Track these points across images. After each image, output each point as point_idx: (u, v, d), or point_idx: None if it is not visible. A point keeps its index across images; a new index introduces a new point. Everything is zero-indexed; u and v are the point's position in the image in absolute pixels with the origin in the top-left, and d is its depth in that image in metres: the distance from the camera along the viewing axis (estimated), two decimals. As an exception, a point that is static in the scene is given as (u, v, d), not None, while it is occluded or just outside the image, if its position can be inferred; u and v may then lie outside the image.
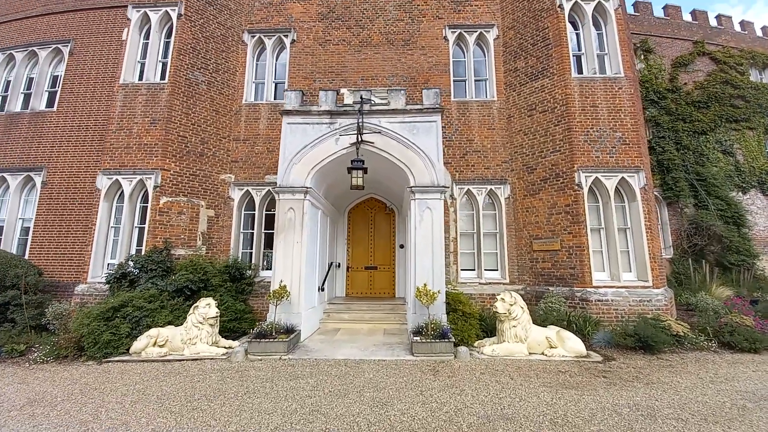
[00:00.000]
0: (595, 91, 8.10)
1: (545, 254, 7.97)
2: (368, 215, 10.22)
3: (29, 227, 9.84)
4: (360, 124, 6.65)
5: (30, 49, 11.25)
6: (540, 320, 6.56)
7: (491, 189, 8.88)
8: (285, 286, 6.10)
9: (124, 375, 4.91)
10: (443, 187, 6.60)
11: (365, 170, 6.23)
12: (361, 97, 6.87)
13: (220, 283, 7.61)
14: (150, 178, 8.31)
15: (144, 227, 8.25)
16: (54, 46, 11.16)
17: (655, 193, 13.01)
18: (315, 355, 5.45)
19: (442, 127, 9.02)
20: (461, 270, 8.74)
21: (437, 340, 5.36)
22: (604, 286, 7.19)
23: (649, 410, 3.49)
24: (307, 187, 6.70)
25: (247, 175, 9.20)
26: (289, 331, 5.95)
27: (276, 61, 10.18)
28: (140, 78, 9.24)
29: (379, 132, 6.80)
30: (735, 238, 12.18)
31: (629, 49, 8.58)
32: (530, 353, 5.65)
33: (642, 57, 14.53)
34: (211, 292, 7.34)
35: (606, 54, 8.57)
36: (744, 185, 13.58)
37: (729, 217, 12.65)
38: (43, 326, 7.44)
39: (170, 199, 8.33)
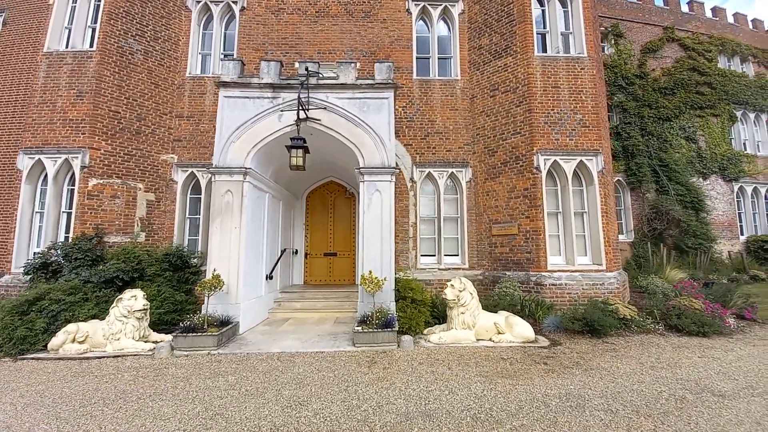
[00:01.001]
0: (557, 70, 7.82)
1: (503, 239, 7.79)
2: (327, 199, 9.74)
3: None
4: (302, 98, 6.10)
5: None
6: (492, 306, 6.39)
7: (453, 172, 8.57)
8: (218, 276, 5.61)
9: (33, 374, 4.39)
10: (394, 168, 6.20)
11: (306, 149, 5.73)
12: (307, 69, 6.29)
13: (158, 272, 7.01)
14: (77, 157, 7.48)
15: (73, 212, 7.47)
16: (-15, 14, 9.85)
17: (619, 178, 13.17)
18: (249, 349, 5.05)
19: (403, 106, 8.62)
20: (421, 255, 8.48)
21: (380, 330, 5.06)
22: (559, 270, 7.09)
23: (580, 400, 3.30)
24: (246, 168, 6.14)
25: (192, 155, 8.47)
26: (224, 323, 5.51)
27: (225, 30, 9.33)
28: (67, 46, 8.23)
29: (325, 108, 6.27)
30: (693, 223, 12.50)
31: (594, 28, 8.30)
32: (478, 340, 5.46)
33: (612, 42, 14.42)
34: (147, 283, 6.76)
35: (571, 33, 8.26)
36: (705, 171, 13.90)
37: (688, 202, 12.95)
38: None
39: (101, 182, 7.55)
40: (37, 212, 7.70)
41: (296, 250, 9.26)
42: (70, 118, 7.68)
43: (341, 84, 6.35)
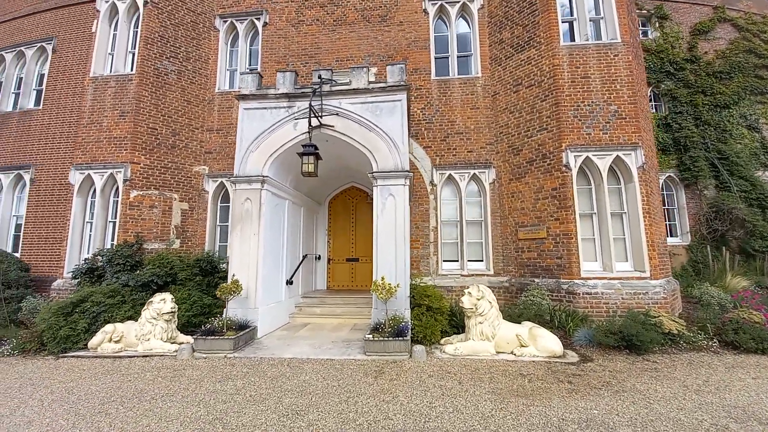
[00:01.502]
0: (587, 60, 7.23)
1: (531, 243, 7.29)
2: (349, 205, 9.78)
3: (21, 224, 10.05)
4: (315, 105, 6.16)
5: (18, 49, 11.36)
6: (517, 315, 5.97)
7: (475, 173, 8.22)
8: (237, 281, 5.79)
9: (70, 371, 4.79)
10: (407, 172, 6.05)
11: (317, 156, 5.76)
12: (320, 77, 6.36)
13: (189, 277, 7.41)
14: (120, 171, 8.18)
15: (117, 222, 8.15)
16: (39, 44, 11.25)
17: (671, 174, 11.92)
18: (263, 354, 5.13)
19: (422, 108, 8.46)
20: (443, 261, 8.20)
21: (391, 339, 4.90)
22: (594, 278, 6.47)
23: (602, 428, 2.92)
24: (264, 176, 6.31)
25: (221, 166, 8.93)
26: (242, 327, 5.66)
27: (250, 46, 9.78)
28: (110, 71, 9.07)
29: (337, 114, 6.29)
30: (759, 223, 10.95)
31: (629, 10, 7.59)
32: (498, 352, 5.11)
33: (657, 25, 13.18)
34: (179, 286, 7.17)
35: (602, 18, 7.62)
36: (771, 164, 12.14)
37: (754, 200, 11.39)
38: (21, 321, 7.52)
39: (141, 193, 8.18)
40: (87, 222, 8.50)
41: (319, 256, 9.37)
42: (114, 136, 8.43)
43: (353, 89, 6.34)
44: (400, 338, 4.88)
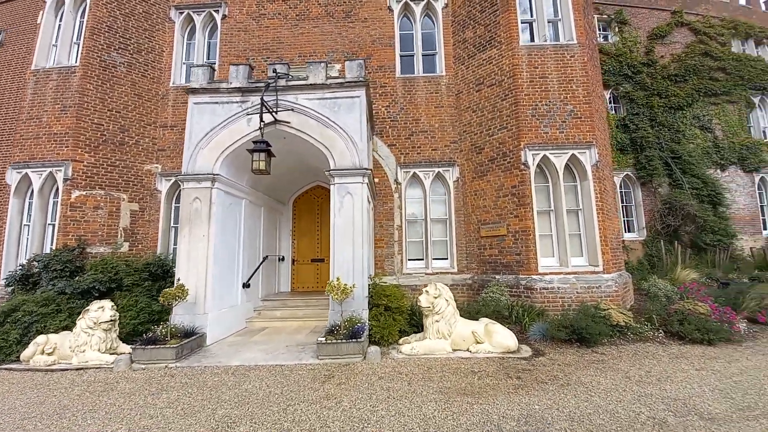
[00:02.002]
0: (545, 60, 7.37)
1: (492, 240, 7.35)
2: (314, 204, 9.54)
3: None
4: (269, 101, 5.91)
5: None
6: (475, 312, 5.98)
7: (439, 172, 8.21)
8: (182, 286, 5.45)
9: (-4, 386, 4.33)
10: (366, 169, 5.92)
11: (269, 152, 5.51)
12: (275, 71, 6.12)
13: (137, 282, 6.95)
14: (60, 170, 7.58)
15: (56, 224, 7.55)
16: (-18, 36, 10.28)
17: (628, 172, 12.45)
18: (208, 362, 4.84)
19: (386, 106, 8.36)
20: (409, 260, 8.14)
21: (345, 341, 4.75)
22: (551, 273, 6.59)
23: (539, 425, 2.89)
24: (214, 174, 5.99)
25: (176, 164, 8.45)
26: (189, 334, 5.33)
27: (209, 39, 9.35)
28: (54, 63, 8.41)
29: (292, 109, 6.07)
30: (710, 218, 11.62)
31: (584, 13, 7.81)
32: (454, 350, 5.08)
33: (616, 29, 13.73)
34: (125, 293, 6.71)
35: (559, 19, 7.80)
36: (723, 162, 12.94)
37: (705, 196, 12.06)
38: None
39: (84, 193, 7.61)
40: (25, 225, 7.83)
41: (282, 257, 9.08)
42: (54, 132, 7.80)
43: (310, 84, 6.14)
44: (353, 340, 4.74)
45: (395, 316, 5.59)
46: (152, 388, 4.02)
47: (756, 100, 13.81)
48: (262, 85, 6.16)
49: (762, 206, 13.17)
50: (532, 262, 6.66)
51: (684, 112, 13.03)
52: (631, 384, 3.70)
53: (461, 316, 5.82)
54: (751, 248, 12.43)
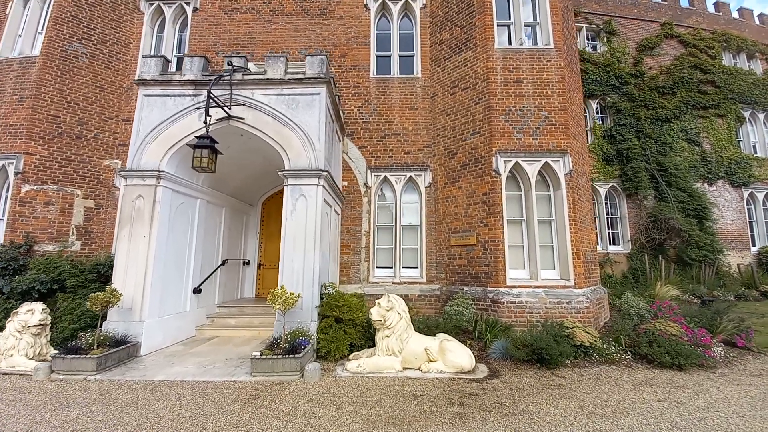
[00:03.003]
0: (520, 64, 7.09)
1: (462, 250, 6.99)
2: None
3: None
4: (217, 95, 5.57)
5: None
6: (433, 326, 5.58)
7: (411, 176, 7.87)
8: (114, 290, 5.03)
9: None
10: (322, 171, 5.56)
11: (214, 149, 5.14)
12: (230, 63, 5.79)
13: (82, 283, 6.53)
14: (12, 163, 7.19)
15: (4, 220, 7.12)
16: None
17: (614, 184, 12.19)
18: (132, 375, 4.42)
19: (359, 106, 8.04)
20: (377, 268, 7.76)
21: (281, 357, 4.35)
22: (520, 286, 6.23)
23: (462, 466, 2.51)
24: (160, 171, 5.62)
25: (137, 160, 8.05)
26: (120, 343, 4.91)
27: (179, 33, 9.03)
28: (17, 53, 8.06)
29: (243, 104, 5.72)
30: (695, 232, 11.34)
31: (564, 18, 7.56)
32: (405, 368, 4.68)
33: (605, 39, 13.59)
34: (69, 295, 6.28)
35: (537, 23, 7.54)
36: (710, 176, 12.72)
37: (691, 210, 11.80)
38: None
39: (34, 188, 7.20)
40: (-28, 220, 7.38)
41: (248, 261, 8.67)
42: (9, 123, 7.42)
43: (267, 79, 5.81)
44: (290, 356, 4.33)
45: (347, 328, 5.19)
46: (58, 403, 3.60)
47: (746, 114, 13.67)
48: (215, 77, 5.82)
49: (751, 222, 12.94)
50: (501, 274, 6.30)
51: (671, 124, 12.84)
52: (581, 416, 3.32)
53: (421, 330, 5.47)
54: (738, 265, 12.15)
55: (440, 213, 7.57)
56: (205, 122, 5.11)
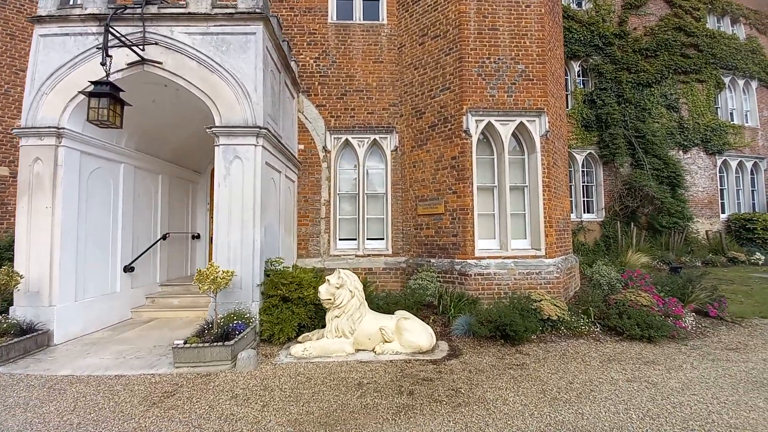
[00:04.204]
0: (496, 9, 6.22)
1: (429, 219, 6.43)
2: (238, 175, 8.22)
3: None
4: (124, 34, 4.50)
5: None
6: (393, 303, 5.09)
7: (375, 139, 7.09)
8: (11, 271, 4.20)
9: None
10: (261, 128, 4.71)
11: (117, 99, 4.17)
12: (143, -8, 4.66)
13: (-11, 264, 5.58)
14: None
15: None
16: None
17: (591, 150, 11.83)
18: (36, 369, 3.72)
19: (316, 58, 7.02)
20: (340, 240, 7.14)
21: (209, 344, 3.73)
22: (489, 257, 5.79)
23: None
24: (60, 128, 4.61)
25: (54, 120, 6.84)
26: (27, 331, 4.16)
27: (98, -36, 7.47)
28: None
29: (156, 43, 4.69)
30: (668, 200, 11.27)
31: (547, -45, 6.63)
32: (357, 350, 4.20)
33: (590, -5, 12.67)
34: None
35: (518, -39, 6.59)
36: (686, 143, 12.55)
37: (665, 177, 11.67)
38: None
39: None
40: None
41: (198, 235, 7.85)
42: None
43: (190, 14, 4.74)
44: (219, 343, 3.72)
45: (295, 308, 4.60)
46: None
47: (726, 80, 13.38)
48: (130, 13, 4.71)
49: (722, 189, 13.03)
50: (469, 245, 5.81)
51: (652, 89, 12.41)
52: (543, 404, 2.92)
53: (381, 307, 4.98)
54: (706, 231, 12.32)
55: (407, 180, 6.91)
56: (102, 63, 4.10)
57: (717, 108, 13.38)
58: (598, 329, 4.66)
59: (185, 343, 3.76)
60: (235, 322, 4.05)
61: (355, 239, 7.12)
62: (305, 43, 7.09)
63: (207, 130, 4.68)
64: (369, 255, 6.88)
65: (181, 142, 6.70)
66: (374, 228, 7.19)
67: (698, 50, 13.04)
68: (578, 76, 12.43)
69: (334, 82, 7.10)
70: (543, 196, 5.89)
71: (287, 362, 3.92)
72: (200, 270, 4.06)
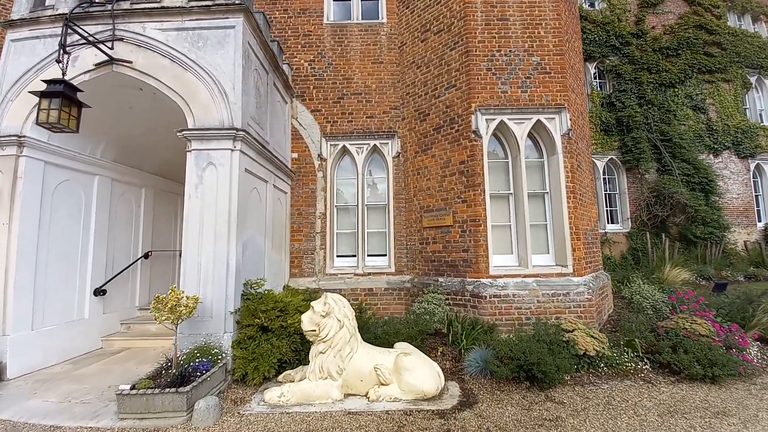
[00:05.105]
0: (506, -3, 5.63)
1: (436, 232, 5.69)
2: (231, 188, 7.69)
3: None
4: (90, 32, 4.05)
5: None
6: (392, 333, 4.30)
7: (375, 145, 6.46)
8: (-55, 299, 3.64)
9: None
10: (240, 130, 4.13)
11: (71, 99, 3.64)
12: (112, -13, 4.24)
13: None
14: None
15: None
16: None
17: (612, 156, 10.97)
18: (-48, 421, 3.08)
19: (310, 60, 6.53)
20: (338, 256, 6.45)
21: (160, 391, 3.03)
22: (506, 275, 4.98)
23: None
24: (21, 136, 4.13)
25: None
26: (-38, 369, 3.56)
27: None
28: None
29: (122, 39, 4.21)
30: (701, 208, 10.23)
31: (560, -59, 6.05)
32: (347, 395, 3.43)
33: (605, -7, 12.10)
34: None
35: (527, -52, 6.03)
36: (716, 146, 11.54)
37: (696, 183, 10.66)
38: None
39: None
40: None
41: (186, 253, 7.26)
42: None
43: (163, 8, 4.28)
44: (172, 389, 3.01)
45: (274, 340, 3.88)
46: None
47: (753, 79, 12.42)
48: (100, 11, 4.28)
49: (756, 196, 11.87)
50: (482, 261, 5.02)
51: (676, 90, 11.56)
52: (594, 486, 2.08)
53: (379, 337, 4.23)
54: (744, 242, 11.13)
55: (411, 188, 6.22)
56: (58, 61, 3.62)
57: (746, 108, 12.41)
58: (647, 366, 3.76)
59: (132, 388, 3.07)
60: (197, 360, 3.35)
61: (354, 256, 6.41)
62: (299, 46, 6.62)
63: (178, 135, 4.12)
64: (369, 274, 6.14)
65: (167, 153, 6.20)
66: (375, 243, 6.48)
67: (721, 48, 12.20)
68: (595, 78, 11.74)
69: (331, 85, 6.57)
70: (568, 203, 5.09)
71: (258, 412, 3.17)
72: (158, 296, 3.41)
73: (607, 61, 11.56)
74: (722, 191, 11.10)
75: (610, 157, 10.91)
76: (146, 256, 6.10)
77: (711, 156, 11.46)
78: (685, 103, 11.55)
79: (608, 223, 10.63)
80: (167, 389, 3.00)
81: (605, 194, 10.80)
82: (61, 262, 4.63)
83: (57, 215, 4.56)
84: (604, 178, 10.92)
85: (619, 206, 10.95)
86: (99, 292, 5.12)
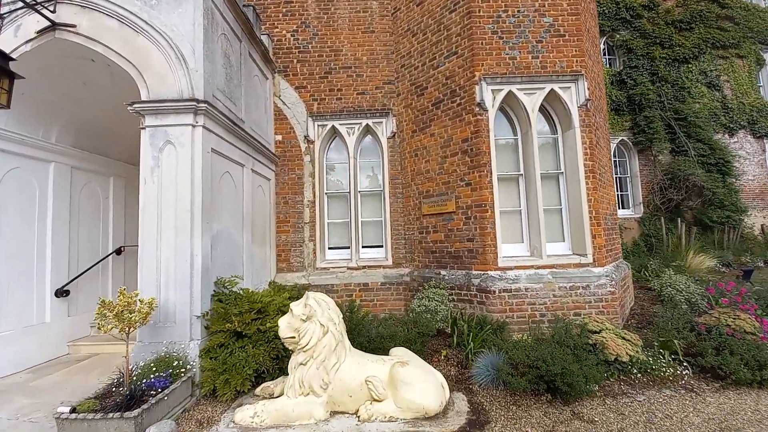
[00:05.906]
0: (513, -50, 4.90)
1: (437, 220, 5.09)
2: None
3: None
4: None
5: None
6: (388, 336, 3.74)
7: (368, 124, 5.82)
8: None
9: None
10: (202, 102, 3.49)
11: (6, 72, 3.00)
12: (47, -65, 3.55)
13: None
14: None
15: None
16: None
17: (623, 138, 10.30)
18: None
19: (293, 31, 5.86)
20: (330, 249, 5.87)
21: (103, 415, 2.48)
22: (516, 267, 4.39)
23: None
24: (-55, 114, 3.50)
25: None
26: None
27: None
28: None
29: (73, 2, 3.54)
30: (719, 190, 9.62)
31: None
32: (334, 413, 2.88)
33: (614, -37, 11.22)
34: None
35: None
36: (732, 126, 10.88)
37: (713, 165, 10.04)
38: None
39: None
40: None
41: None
42: None
43: (109, -41, 3.59)
44: (116, 414, 2.46)
45: (250, 347, 3.32)
46: None
47: (766, 56, 11.68)
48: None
49: (773, 177, 11.24)
50: (490, 251, 4.44)
51: (689, 65, 10.83)
52: None
53: (372, 341, 3.66)
54: (762, 226, 10.56)
55: (408, 172, 5.60)
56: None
57: (760, 86, 11.70)
58: (687, 372, 3.20)
59: (73, 411, 2.52)
60: (153, 375, 2.79)
61: (347, 247, 5.83)
62: (280, 14, 5.92)
63: (129, 109, 3.48)
64: (364, 267, 5.57)
65: (138, 138, 5.56)
66: (370, 233, 5.90)
67: (734, 23, 11.49)
68: (603, 54, 10.96)
69: (316, 59, 5.89)
70: (586, 184, 4.48)
71: (226, 436, 2.63)
72: (103, 299, 2.84)
73: (618, 36, 10.81)
74: (739, 173, 10.48)
75: (621, 138, 10.26)
76: (119, 251, 5.52)
77: (726, 136, 10.80)
78: (699, 80, 10.85)
79: (619, 208, 10.03)
80: (111, 414, 2.44)
81: (616, 177, 10.17)
82: (13, 260, 4.05)
83: (5, 207, 3.97)
84: (614, 161, 10.26)
85: (630, 190, 10.34)
86: (61, 292, 4.55)
